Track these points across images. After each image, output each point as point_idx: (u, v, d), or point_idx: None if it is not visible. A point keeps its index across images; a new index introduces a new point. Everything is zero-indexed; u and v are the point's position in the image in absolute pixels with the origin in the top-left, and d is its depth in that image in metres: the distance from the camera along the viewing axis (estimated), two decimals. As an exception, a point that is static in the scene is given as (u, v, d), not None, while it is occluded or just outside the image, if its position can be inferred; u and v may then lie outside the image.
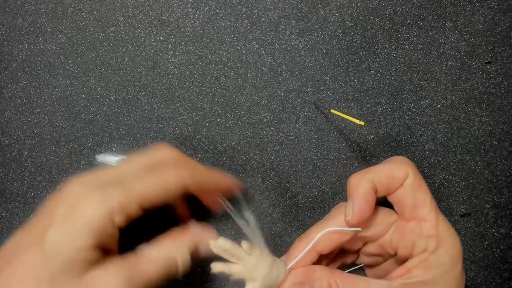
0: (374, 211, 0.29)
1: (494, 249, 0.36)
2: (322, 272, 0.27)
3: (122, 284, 0.24)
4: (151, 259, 0.26)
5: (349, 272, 0.32)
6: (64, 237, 0.23)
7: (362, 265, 0.33)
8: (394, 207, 0.29)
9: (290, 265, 0.28)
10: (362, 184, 0.27)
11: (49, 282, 0.23)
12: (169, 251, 0.27)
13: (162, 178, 0.26)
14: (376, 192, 0.28)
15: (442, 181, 0.36)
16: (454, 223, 0.36)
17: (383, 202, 0.30)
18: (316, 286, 0.27)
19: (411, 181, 0.27)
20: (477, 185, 0.36)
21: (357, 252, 0.32)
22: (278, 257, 0.29)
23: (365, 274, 0.34)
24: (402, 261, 0.28)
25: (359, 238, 0.29)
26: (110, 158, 0.30)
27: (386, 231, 0.29)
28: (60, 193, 0.25)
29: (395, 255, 0.29)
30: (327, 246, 0.28)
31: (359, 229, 0.27)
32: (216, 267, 0.26)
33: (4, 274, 0.23)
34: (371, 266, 0.33)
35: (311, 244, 0.27)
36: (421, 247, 0.27)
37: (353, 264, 0.33)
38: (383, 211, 0.30)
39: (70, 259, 0.23)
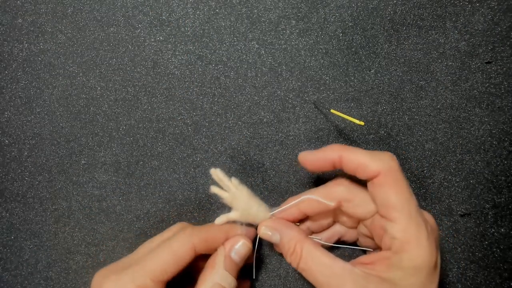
0: (362, 193, 0.30)
1: (494, 249, 0.36)
2: (295, 234, 0.30)
3: None
4: None
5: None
6: None
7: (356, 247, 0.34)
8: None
9: (272, 212, 0.32)
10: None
11: None
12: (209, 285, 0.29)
13: (171, 249, 0.29)
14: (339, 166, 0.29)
15: (442, 181, 0.36)
16: (454, 223, 0.36)
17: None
18: (284, 241, 0.30)
19: (381, 180, 0.27)
20: (477, 185, 0.36)
21: (355, 229, 0.33)
22: None
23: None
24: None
25: (344, 213, 0.31)
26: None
27: (368, 214, 0.30)
28: None
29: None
30: (310, 209, 0.31)
31: (331, 203, 0.30)
32: (213, 189, 0.31)
33: None
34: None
35: (292, 203, 0.31)
36: (386, 245, 0.27)
37: (354, 244, 0.34)
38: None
39: None
